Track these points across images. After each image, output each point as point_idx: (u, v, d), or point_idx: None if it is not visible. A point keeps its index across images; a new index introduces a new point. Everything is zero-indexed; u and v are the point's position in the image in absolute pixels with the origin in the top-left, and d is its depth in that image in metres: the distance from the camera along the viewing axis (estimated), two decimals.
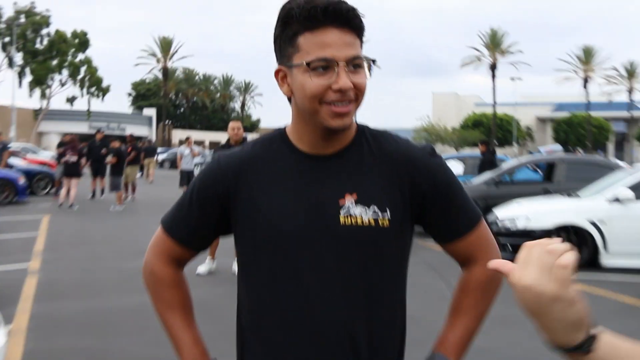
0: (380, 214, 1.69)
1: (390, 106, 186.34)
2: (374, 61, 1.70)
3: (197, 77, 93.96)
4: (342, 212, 1.69)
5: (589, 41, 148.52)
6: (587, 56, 74.79)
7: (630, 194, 10.98)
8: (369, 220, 1.69)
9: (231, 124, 9.80)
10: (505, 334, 6.49)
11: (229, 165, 1.82)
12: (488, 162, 16.90)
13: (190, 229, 1.88)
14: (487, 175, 15.46)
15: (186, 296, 1.97)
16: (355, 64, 1.65)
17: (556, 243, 1.12)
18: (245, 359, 1.85)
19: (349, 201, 1.70)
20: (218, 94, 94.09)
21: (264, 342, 1.76)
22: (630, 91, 75.28)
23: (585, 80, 74.26)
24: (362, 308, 1.70)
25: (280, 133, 1.83)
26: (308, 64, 1.62)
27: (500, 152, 26.80)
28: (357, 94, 1.66)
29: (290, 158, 1.77)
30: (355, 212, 1.69)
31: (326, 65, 1.62)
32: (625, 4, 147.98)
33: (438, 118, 67.06)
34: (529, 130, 77.45)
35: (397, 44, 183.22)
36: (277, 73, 1.74)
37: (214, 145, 56.94)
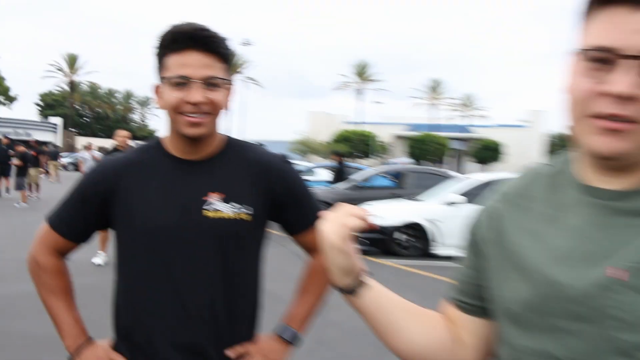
0: (242, 209, 1.74)
1: (273, 121, 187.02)
2: (230, 81, 1.76)
3: (101, 91, 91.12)
4: (207, 207, 1.72)
5: (437, 75, 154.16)
6: (435, 87, 77.61)
7: (459, 198, 11.59)
8: (232, 215, 1.73)
9: (119, 132, 9.79)
10: None
11: (111, 167, 1.83)
12: (340, 171, 17.14)
13: (72, 223, 1.87)
14: (348, 181, 15.83)
15: (68, 282, 1.95)
16: (211, 82, 1.67)
17: (357, 210, 1.19)
18: (120, 336, 1.85)
19: (214, 198, 1.73)
20: (120, 106, 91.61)
21: (135, 321, 1.78)
22: (465, 117, 78.60)
23: (432, 107, 77.03)
24: (221, 289, 1.73)
25: (157, 141, 1.85)
26: (169, 79, 1.67)
27: (362, 163, 27.36)
28: (213, 108, 1.70)
29: (163, 163, 1.79)
30: (220, 207, 1.73)
31: (184, 82, 1.65)
32: (468, 48, 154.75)
33: (312, 133, 67.86)
34: (387, 145, 79.46)
35: (282, 69, 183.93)
36: (155, 89, 1.78)
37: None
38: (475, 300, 1.24)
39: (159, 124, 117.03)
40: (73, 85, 79.88)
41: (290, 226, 1.91)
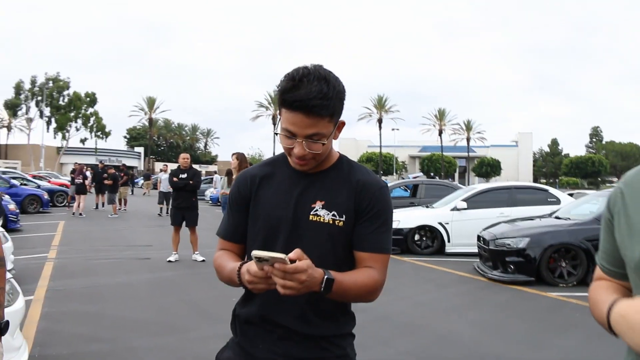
0: (336, 216, 1.70)
1: None
2: (341, 124, 1.70)
3: (173, 125, 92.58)
4: (312, 212, 1.70)
5: (442, 105, 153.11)
6: (440, 115, 76.94)
7: (464, 204, 11.40)
8: (328, 220, 1.70)
9: (182, 155, 9.97)
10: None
11: (249, 176, 1.83)
12: None
13: (229, 229, 1.85)
14: None
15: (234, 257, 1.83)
16: (313, 138, 1.62)
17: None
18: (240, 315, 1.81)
19: (318, 205, 1.71)
20: (188, 137, 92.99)
21: (256, 302, 1.74)
22: (468, 139, 77.73)
23: (440, 131, 76.35)
24: None
25: (283, 156, 1.81)
26: (282, 128, 1.64)
27: (385, 179, 27.13)
28: (315, 156, 1.67)
29: (286, 173, 1.78)
30: (321, 213, 1.70)
31: (290, 136, 1.63)
32: (468, 80, 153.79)
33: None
34: (404, 163, 79.21)
35: None
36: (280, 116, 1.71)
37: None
38: (615, 267, 1.28)
39: (220, 150, 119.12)
40: (151, 121, 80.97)
41: (355, 240, 1.73)
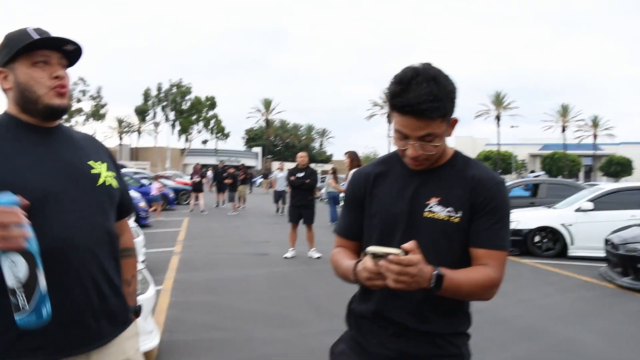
0: (452, 212, 1.67)
1: None
2: (453, 121, 1.68)
3: (289, 126, 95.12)
4: (427, 209, 1.69)
5: (565, 100, 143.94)
6: (564, 111, 72.70)
7: (590, 205, 10.70)
8: (443, 216, 1.67)
9: (299, 154, 10.23)
10: None
11: (364, 174, 1.85)
12: None
13: (345, 227, 1.88)
14: None
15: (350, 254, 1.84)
16: (426, 139, 1.61)
17: None
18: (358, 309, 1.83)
19: (433, 202, 1.69)
20: (303, 137, 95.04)
21: (372, 299, 1.76)
22: (594, 136, 72.76)
23: (563, 128, 72.19)
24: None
25: (397, 153, 1.79)
26: (394, 129, 1.65)
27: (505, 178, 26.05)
28: (428, 156, 1.66)
29: (400, 170, 1.77)
30: (436, 209, 1.68)
31: (403, 137, 1.64)
32: (595, 72, 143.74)
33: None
34: (523, 162, 75.71)
35: None
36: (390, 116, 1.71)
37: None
38: None
39: (335, 149, 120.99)
40: (268, 122, 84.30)
41: (471, 236, 1.68)
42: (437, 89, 1.56)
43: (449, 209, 1.68)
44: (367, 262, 1.51)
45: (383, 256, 1.45)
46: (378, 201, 1.77)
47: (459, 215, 1.67)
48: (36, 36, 1.60)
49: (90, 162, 1.73)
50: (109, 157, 1.86)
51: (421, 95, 1.54)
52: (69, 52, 1.67)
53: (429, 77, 1.57)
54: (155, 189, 18.55)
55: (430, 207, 1.69)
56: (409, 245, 1.46)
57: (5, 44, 1.64)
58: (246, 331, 5.33)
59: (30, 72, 1.62)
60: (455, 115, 1.68)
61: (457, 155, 1.79)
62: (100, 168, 1.75)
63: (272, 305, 6.45)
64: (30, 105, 1.63)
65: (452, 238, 1.68)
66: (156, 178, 21.23)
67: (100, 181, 1.73)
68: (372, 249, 1.47)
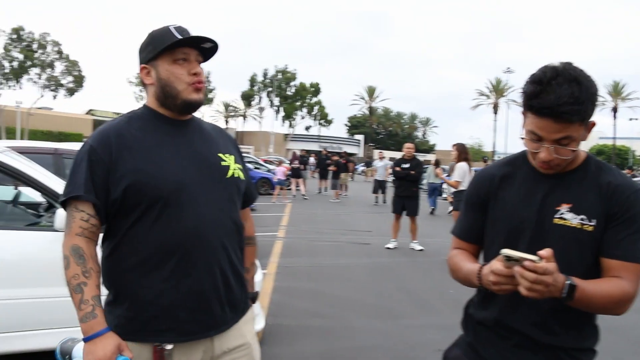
0: (585, 220, 1.59)
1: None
2: (591, 124, 1.58)
3: (392, 114, 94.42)
4: (557, 215, 1.61)
5: None
6: None
7: None
8: (575, 224, 1.59)
9: (406, 145, 10.15)
10: None
11: (488, 176, 1.78)
12: None
13: (465, 229, 1.84)
14: None
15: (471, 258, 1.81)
16: (562, 143, 1.54)
17: None
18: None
19: (564, 208, 1.61)
20: (407, 126, 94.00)
21: (494, 306, 1.71)
22: None
23: None
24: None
25: (523, 155, 1.75)
26: (527, 131, 1.59)
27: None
28: (561, 161, 1.58)
29: (527, 173, 1.70)
30: (567, 217, 1.60)
31: (536, 139, 1.57)
32: None
33: None
34: None
35: None
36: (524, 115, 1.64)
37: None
38: None
39: (438, 139, 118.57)
40: (371, 110, 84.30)
41: (604, 246, 1.58)
42: (579, 91, 1.49)
43: (582, 216, 1.60)
44: (496, 265, 1.47)
45: (518, 260, 1.39)
46: (504, 205, 1.71)
47: (592, 223, 1.59)
48: (179, 36, 1.70)
49: (220, 155, 1.82)
50: (235, 148, 1.94)
51: (562, 97, 1.47)
52: (206, 49, 1.77)
53: (571, 78, 1.50)
54: (280, 172, 19.09)
55: (562, 214, 1.61)
56: (545, 252, 1.40)
57: (149, 42, 1.75)
58: (346, 320, 5.41)
59: (171, 68, 1.72)
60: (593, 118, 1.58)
61: (589, 159, 1.69)
62: (229, 160, 1.84)
63: (372, 295, 6.49)
64: (170, 99, 1.74)
65: (584, 247, 1.59)
66: (280, 162, 21.85)
67: (230, 173, 1.81)
68: (507, 252, 1.41)
